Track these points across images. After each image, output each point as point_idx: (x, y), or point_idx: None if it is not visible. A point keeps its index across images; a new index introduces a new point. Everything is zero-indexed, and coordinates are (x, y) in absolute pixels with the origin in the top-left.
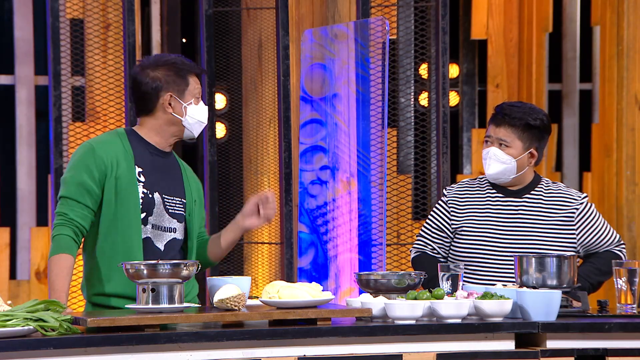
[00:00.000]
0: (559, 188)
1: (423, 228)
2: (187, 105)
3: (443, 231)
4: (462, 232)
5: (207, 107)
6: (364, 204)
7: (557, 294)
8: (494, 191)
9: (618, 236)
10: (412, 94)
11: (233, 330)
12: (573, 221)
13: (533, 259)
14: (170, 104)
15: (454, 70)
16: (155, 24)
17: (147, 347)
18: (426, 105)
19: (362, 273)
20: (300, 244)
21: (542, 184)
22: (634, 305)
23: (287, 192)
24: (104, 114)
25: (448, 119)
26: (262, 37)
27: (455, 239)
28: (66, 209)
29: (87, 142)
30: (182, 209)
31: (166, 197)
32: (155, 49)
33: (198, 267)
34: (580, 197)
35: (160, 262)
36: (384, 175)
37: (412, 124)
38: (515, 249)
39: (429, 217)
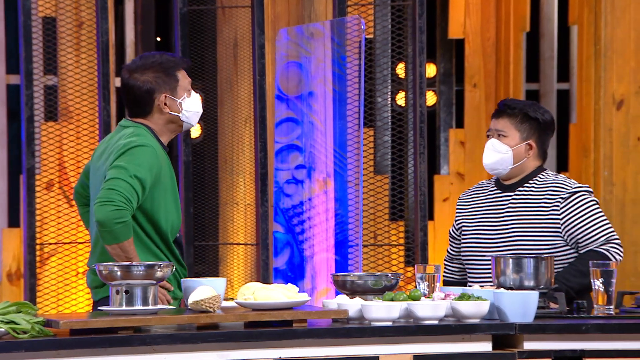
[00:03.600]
0: (555, 179)
1: (449, 240)
2: (182, 100)
3: (456, 238)
4: (463, 230)
5: (198, 95)
6: (340, 203)
7: (534, 295)
8: (494, 187)
9: (612, 234)
10: (389, 93)
11: (208, 332)
12: (558, 211)
13: (510, 259)
14: (166, 104)
15: (431, 70)
16: (129, 23)
17: (120, 350)
18: (403, 105)
19: (338, 274)
20: (276, 243)
21: (539, 177)
22: (611, 307)
23: (263, 192)
24: (77, 113)
25: (425, 118)
26: (237, 36)
27: (461, 237)
28: (129, 195)
29: (145, 141)
30: None
31: None
32: (129, 48)
33: (172, 269)
34: (571, 186)
35: (133, 263)
36: (360, 175)
37: (389, 123)
38: (505, 244)
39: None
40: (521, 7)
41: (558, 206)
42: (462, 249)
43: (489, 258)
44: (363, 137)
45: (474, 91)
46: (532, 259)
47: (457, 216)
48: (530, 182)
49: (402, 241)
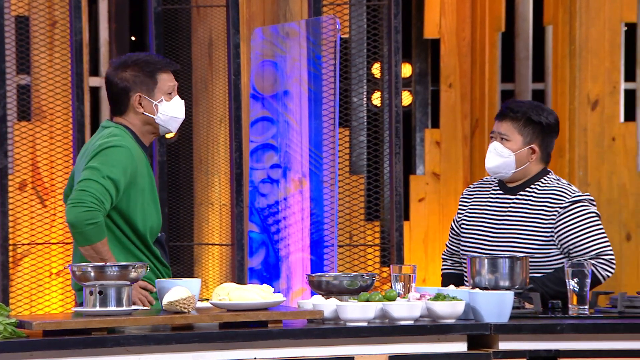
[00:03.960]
0: (555, 186)
1: (449, 234)
2: (158, 103)
3: (457, 233)
4: (462, 228)
5: (182, 101)
6: (315, 203)
7: (510, 295)
8: (497, 188)
9: (604, 249)
10: (365, 93)
11: (182, 333)
12: (554, 220)
13: (485, 259)
14: (140, 104)
15: (406, 70)
16: (103, 22)
17: (94, 351)
18: (379, 105)
19: (313, 275)
20: (251, 243)
21: (542, 181)
22: (586, 307)
23: (239, 192)
24: (50, 113)
25: (401, 118)
26: (212, 35)
27: (462, 235)
28: (101, 195)
29: (120, 141)
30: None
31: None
32: (103, 47)
33: (147, 269)
34: (571, 195)
35: (107, 264)
36: (335, 176)
37: (365, 123)
38: (500, 247)
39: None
40: (496, 7)
41: (555, 215)
42: (461, 246)
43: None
44: (338, 137)
45: (450, 91)
46: (507, 259)
47: (459, 211)
48: (532, 186)
49: (377, 241)
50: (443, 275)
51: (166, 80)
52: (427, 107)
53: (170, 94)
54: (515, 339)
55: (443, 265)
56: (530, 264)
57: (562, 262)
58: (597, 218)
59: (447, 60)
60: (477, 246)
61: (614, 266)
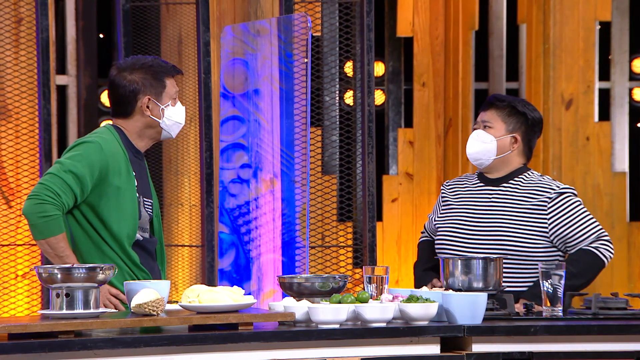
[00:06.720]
0: (540, 179)
1: (422, 230)
2: (165, 107)
3: (433, 230)
4: (440, 220)
5: (184, 107)
6: (287, 204)
7: (483, 297)
8: (477, 180)
9: (601, 231)
10: (337, 92)
11: (151, 336)
12: (545, 211)
13: (459, 261)
14: (148, 107)
15: (379, 69)
16: (70, 19)
17: (61, 354)
18: (351, 104)
19: (284, 276)
20: (221, 244)
21: (525, 175)
22: (560, 308)
23: (209, 193)
24: (16, 112)
25: (373, 118)
26: (182, 33)
27: (437, 227)
28: (59, 190)
29: (93, 137)
30: (151, 210)
31: (145, 199)
32: (70, 45)
33: (115, 271)
34: (558, 187)
35: (75, 265)
36: (307, 176)
37: (337, 123)
38: (484, 237)
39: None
40: (470, 5)
41: (545, 206)
42: (438, 237)
43: (465, 247)
44: (310, 137)
45: (423, 90)
46: (480, 260)
47: (438, 205)
48: (516, 179)
49: (350, 242)
50: (420, 243)
51: (172, 85)
52: (400, 106)
53: (175, 99)
54: (488, 340)
55: (421, 237)
56: (517, 253)
57: (550, 254)
58: (584, 206)
59: (420, 58)
60: (456, 238)
61: (612, 247)
